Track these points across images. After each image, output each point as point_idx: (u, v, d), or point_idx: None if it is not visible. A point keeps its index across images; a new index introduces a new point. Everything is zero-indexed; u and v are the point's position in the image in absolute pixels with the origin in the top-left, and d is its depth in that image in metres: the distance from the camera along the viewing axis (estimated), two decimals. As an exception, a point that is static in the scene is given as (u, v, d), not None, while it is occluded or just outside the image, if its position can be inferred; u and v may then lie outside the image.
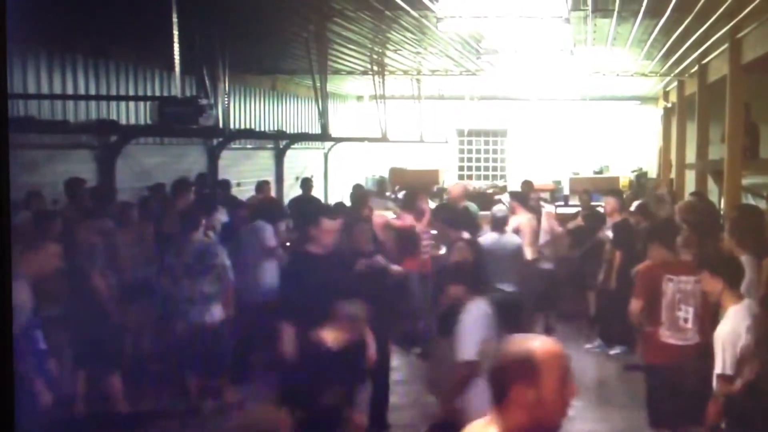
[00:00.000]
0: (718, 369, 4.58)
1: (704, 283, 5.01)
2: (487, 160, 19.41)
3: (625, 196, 11.35)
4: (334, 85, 14.10)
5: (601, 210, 10.26)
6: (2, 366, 1.17)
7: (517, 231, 8.65)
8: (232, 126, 10.23)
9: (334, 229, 5.84)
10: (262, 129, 13.53)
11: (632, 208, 9.82)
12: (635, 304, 5.77)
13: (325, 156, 16.59)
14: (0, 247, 1.19)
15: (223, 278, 6.76)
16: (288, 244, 9.08)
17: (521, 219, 8.90)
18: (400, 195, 15.01)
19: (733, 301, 4.73)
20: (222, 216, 8.84)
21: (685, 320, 5.57)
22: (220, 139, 11.25)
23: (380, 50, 10.40)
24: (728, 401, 4.56)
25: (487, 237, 8.09)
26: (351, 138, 14.63)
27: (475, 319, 4.82)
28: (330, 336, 4.60)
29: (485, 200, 12.61)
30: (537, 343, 2.20)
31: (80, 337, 6.17)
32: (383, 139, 12.93)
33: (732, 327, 4.59)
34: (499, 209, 8.34)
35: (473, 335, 4.72)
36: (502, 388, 2.18)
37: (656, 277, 5.67)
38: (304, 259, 5.85)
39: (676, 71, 12.07)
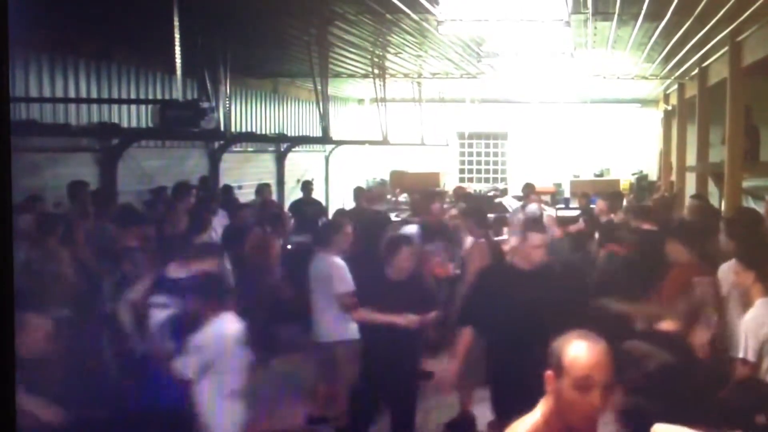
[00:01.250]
0: (740, 354, 4.74)
1: (736, 274, 5.14)
2: (487, 162, 19.42)
3: (625, 200, 11.37)
4: (335, 88, 14.11)
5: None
6: (2, 366, 1.18)
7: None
8: (233, 129, 10.24)
9: (543, 243, 5.37)
10: (264, 132, 13.54)
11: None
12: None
13: (326, 159, 16.60)
14: (1, 248, 1.20)
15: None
16: (289, 246, 9.10)
17: None
18: (401, 197, 15.08)
19: (762, 294, 4.91)
20: (223, 219, 8.85)
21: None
22: (222, 142, 11.26)
23: (381, 53, 10.41)
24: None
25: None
26: (352, 141, 14.66)
27: (210, 338, 4.52)
28: (668, 324, 4.42)
29: (486, 203, 12.64)
30: (578, 344, 2.34)
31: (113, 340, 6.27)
32: (384, 142, 12.94)
33: (756, 315, 4.81)
34: (532, 209, 8.77)
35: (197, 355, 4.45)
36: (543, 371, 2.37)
37: (688, 281, 5.63)
38: (512, 275, 5.32)
39: (677, 74, 12.07)
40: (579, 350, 2.31)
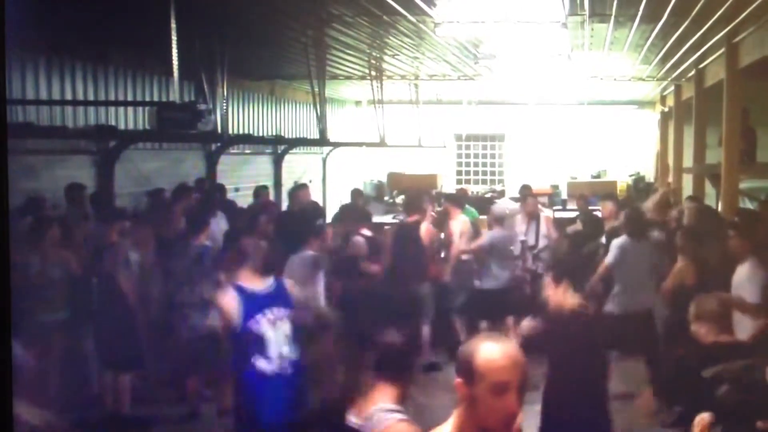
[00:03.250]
0: None
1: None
2: (485, 164, 19.42)
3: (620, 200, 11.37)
4: (332, 89, 14.11)
5: (599, 215, 10.27)
6: (2, 366, 1.17)
7: (450, 234, 8.99)
8: (230, 131, 10.24)
9: None
10: (261, 134, 13.53)
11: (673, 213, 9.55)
12: None
13: (324, 161, 16.59)
14: (0, 250, 1.20)
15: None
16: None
17: (457, 222, 9.16)
18: (399, 199, 15.08)
19: None
20: (222, 221, 8.82)
21: None
22: (219, 144, 11.25)
23: (378, 55, 10.42)
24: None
25: (492, 233, 8.77)
26: (349, 143, 14.66)
27: None
28: None
29: (485, 205, 12.67)
30: (489, 347, 2.22)
31: (103, 338, 6.29)
32: (381, 143, 12.95)
33: None
34: (498, 208, 9.06)
35: None
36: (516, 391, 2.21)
37: None
38: None
39: (674, 75, 12.09)
40: (491, 353, 2.19)
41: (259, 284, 4.84)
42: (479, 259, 8.78)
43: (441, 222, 9.52)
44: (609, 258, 7.63)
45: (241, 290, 4.77)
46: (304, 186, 11.05)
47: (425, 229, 8.57)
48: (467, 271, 8.98)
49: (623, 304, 7.38)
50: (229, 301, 4.75)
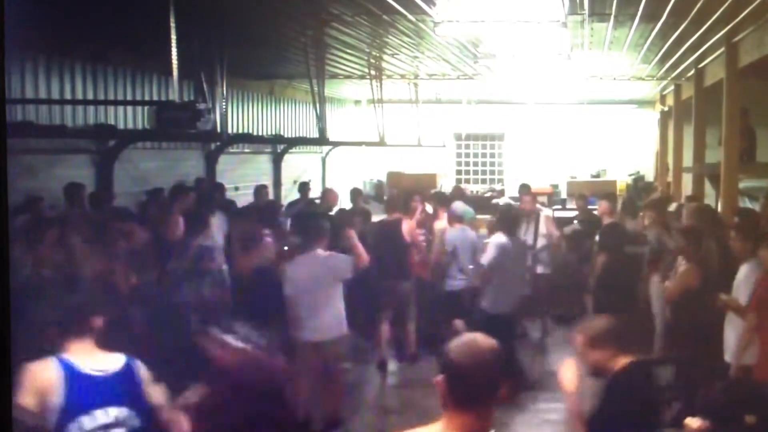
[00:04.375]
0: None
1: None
2: (484, 164, 19.43)
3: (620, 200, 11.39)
4: (331, 89, 14.11)
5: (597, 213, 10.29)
6: (1, 366, 1.17)
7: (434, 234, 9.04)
8: (230, 130, 10.23)
9: None
10: (260, 133, 13.53)
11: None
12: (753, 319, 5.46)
13: (323, 160, 16.59)
14: (0, 250, 1.20)
15: (220, 283, 6.75)
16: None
17: (441, 222, 9.23)
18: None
19: None
20: (222, 222, 8.81)
21: None
22: (218, 144, 11.25)
23: (378, 54, 10.41)
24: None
25: (452, 231, 8.71)
26: (349, 142, 14.66)
27: None
28: None
29: (483, 204, 12.69)
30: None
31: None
32: (381, 143, 12.95)
33: None
34: (457, 206, 9.04)
35: None
36: (493, 388, 2.23)
37: None
38: None
39: (673, 75, 12.09)
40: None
41: (100, 362, 3.33)
42: (444, 262, 8.72)
43: (426, 221, 9.51)
44: (486, 257, 7.60)
45: (69, 368, 3.21)
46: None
47: (407, 227, 8.58)
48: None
49: (492, 303, 7.46)
50: (48, 384, 3.13)
